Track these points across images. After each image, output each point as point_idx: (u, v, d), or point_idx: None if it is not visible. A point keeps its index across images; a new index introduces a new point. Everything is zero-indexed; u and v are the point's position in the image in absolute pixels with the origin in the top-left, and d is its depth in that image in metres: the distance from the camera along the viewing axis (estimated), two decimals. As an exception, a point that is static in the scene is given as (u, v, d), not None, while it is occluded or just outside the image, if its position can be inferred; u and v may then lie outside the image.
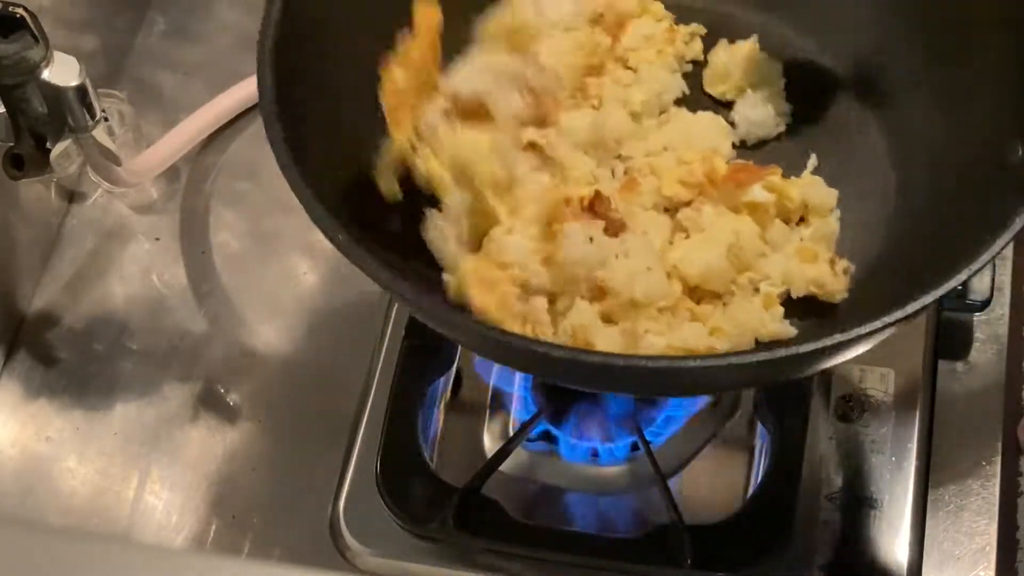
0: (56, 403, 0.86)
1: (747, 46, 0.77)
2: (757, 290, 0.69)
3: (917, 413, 0.77)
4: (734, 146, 0.76)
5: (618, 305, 0.66)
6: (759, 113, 0.76)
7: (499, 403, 0.82)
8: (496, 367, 0.82)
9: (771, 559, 0.74)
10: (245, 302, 0.89)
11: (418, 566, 0.77)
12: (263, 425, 0.84)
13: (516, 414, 0.81)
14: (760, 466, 0.78)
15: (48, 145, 0.78)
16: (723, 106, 0.78)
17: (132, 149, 0.91)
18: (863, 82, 0.76)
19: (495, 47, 0.72)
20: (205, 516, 0.81)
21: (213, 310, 0.89)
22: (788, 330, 0.68)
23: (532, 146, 0.70)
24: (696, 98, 0.78)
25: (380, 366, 0.82)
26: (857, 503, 0.75)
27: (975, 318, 0.80)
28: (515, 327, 0.66)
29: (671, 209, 0.72)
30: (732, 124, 0.76)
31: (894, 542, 0.74)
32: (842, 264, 0.69)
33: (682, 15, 0.80)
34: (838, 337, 0.58)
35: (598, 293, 0.66)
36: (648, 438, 0.78)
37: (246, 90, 0.93)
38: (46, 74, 0.74)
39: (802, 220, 0.72)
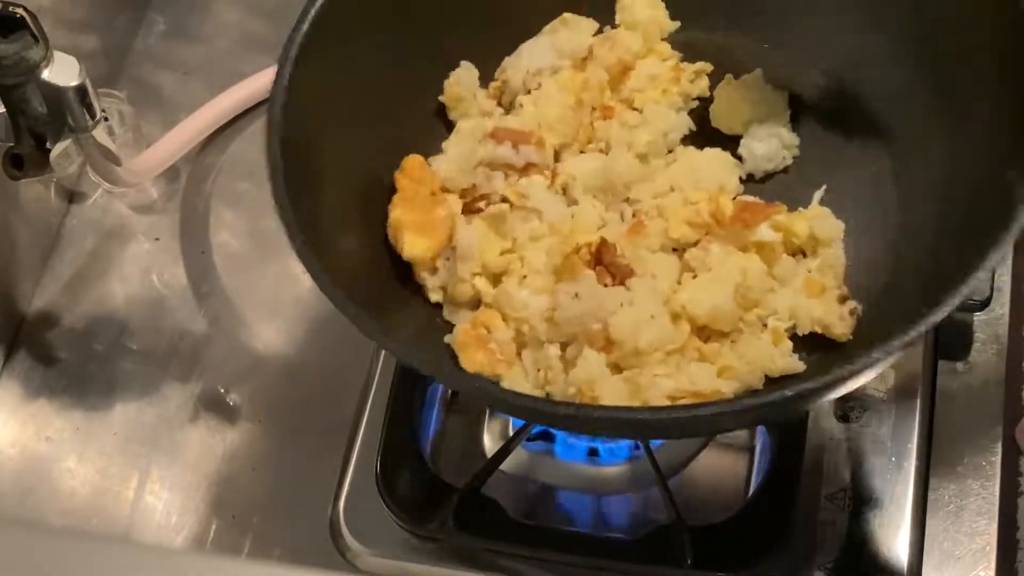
0: (56, 403, 0.87)
1: (752, 79, 0.77)
2: (765, 325, 0.69)
3: (917, 413, 0.77)
4: (741, 180, 0.75)
5: (623, 354, 0.66)
6: (766, 146, 0.75)
7: (499, 403, 0.82)
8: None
9: (771, 559, 0.74)
10: (245, 302, 0.89)
11: (418, 566, 0.77)
12: (263, 425, 0.84)
13: (516, 414, 0.81)
14: (760, 466, 0.78)
15: (48, 145, 0.78)
16: (731, 140, 0.77)
17: (132, 149, 0.91)
18: (866, 112, 0.75)
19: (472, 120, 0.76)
20: (205, 516, 0.81)
21: (213, 310, 0.89)
22: (797, 365, 0.68)
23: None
24: (704, 133, 0.77)
25: (380, 366, 0.81)
26: (857, 503, 0.75)
27: (975, 318, 0.80)
28: (519, 378, 0.68)
29: (679, 249, 0.72)
30: (739, 158, 0.76)
31: (894, 542, 0.74)
32: (850, 305, 0.69)
33: (688, 52, 0.79)
34: (840, 372, 0.58)
35: (605, 344, 0.67)
36: (648, 438, 0.78)
37: (246, 90, 0.93)
38: (46, 74, 0.74)
39: (805, 252, 0.72)
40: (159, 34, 1.00)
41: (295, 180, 0.65)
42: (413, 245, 0.70)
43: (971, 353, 0.80)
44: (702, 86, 0.78)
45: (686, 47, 0.79)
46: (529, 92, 0.76)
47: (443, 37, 0.76)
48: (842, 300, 0.69)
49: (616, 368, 0.67)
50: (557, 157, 0.75)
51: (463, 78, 0.77)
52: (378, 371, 0.81)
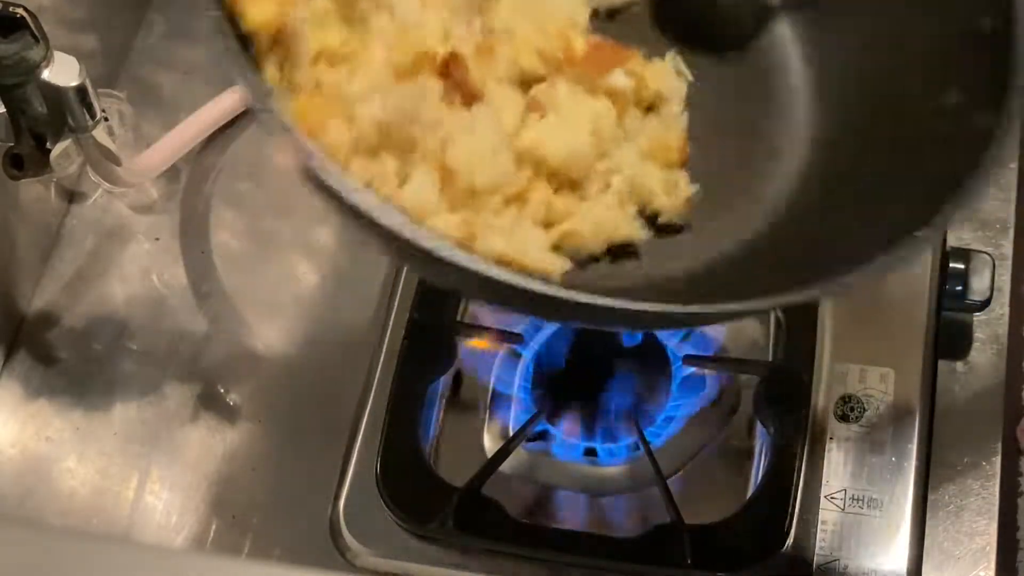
0: (56, 403, 0.86)
1: None
2: (608, 186, 0.63)
3: (917, 413, 0.77)
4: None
5: (459, 191, 0.59)
6: None
7: (498, 403, 0.82)
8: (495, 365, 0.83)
9: (771, 559, 0.74)
10: (245, 302, 0.89)
11: (418, 566, 0.77)
12: (263, 425, 0.84)
13: (516, 414, 0.81)
14: (760, 466, 0.78)
15: (48, 145, 0.78)
16: None
17: (132, 149, 0.91)
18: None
19: None
20: (205, 516, 0.81)
21: (213, 310, 0.89)
22: (640, 232, 0.62)
23: None
24: None
25: (380, 366, 0.81)
26: (857, 503, 0.75)
27: (975, 318, 0.80)
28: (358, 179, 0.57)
29: (524, 84, 0.64)
30: None
31: (894, 542, 0.74)
32: (683, 176, 0.63)
33: None
34: (735, 306, 0.53)
35: (441, 171, 0.59)
36: (648, 438, 0.78)
37: (246, 90, 0.93)
38: (46, 74, 0.74)
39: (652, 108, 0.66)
40: (159, 34, 1.00)
41: None
42: (256, 11, 0.60)
43: (971, 353, 0.80)
44: None
45: None
46: None
47: None
48: (681, 164, 0.63)
49: (452, 208, 0.59)
50: None
51: None
52: (378, 371, 0.81)
